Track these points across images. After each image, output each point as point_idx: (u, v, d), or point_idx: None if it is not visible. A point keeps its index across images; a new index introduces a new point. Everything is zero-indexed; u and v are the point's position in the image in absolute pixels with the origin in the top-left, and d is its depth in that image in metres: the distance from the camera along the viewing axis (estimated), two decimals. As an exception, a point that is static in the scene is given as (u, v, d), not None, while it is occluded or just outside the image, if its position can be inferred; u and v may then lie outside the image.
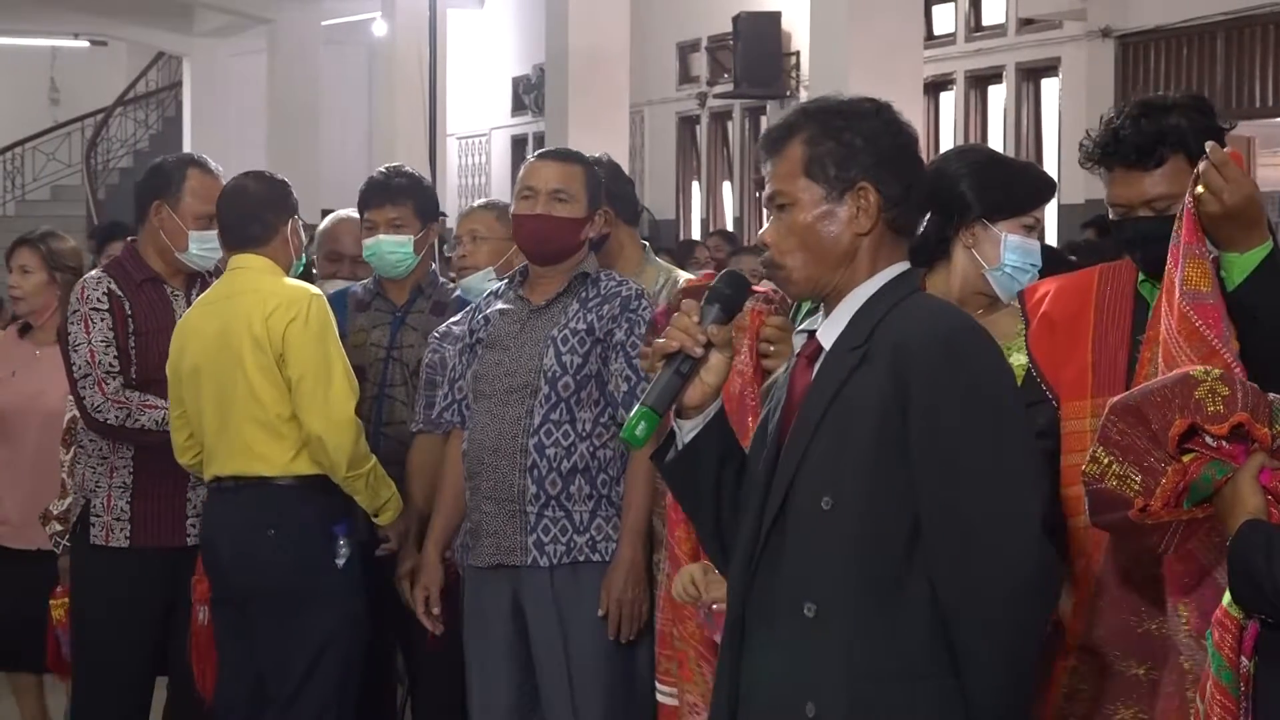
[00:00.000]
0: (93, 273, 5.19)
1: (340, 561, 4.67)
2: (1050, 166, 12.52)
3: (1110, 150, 3.19)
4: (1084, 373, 3.23)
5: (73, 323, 4.98)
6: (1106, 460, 2.76)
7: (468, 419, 4.48)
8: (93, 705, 5.14)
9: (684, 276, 4.97)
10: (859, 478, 2.69)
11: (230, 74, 21.13)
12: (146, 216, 5.09)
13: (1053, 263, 3.84)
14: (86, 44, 22.78)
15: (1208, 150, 2.98)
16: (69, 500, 5.35)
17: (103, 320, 4.96)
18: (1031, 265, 3.63)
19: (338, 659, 4.66)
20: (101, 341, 4.94)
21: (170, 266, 5.07)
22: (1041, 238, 3.76)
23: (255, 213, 4.78)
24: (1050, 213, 12.49)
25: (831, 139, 2.79)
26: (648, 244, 5.05)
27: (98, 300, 4.98)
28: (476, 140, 19.83)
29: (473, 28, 19.14)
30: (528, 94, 18.09)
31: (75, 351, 4.95)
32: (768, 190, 2.86)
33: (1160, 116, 3.17)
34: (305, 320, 4.63)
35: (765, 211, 2.92)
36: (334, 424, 4.60)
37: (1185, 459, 2.70)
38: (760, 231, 2.90)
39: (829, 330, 2.80)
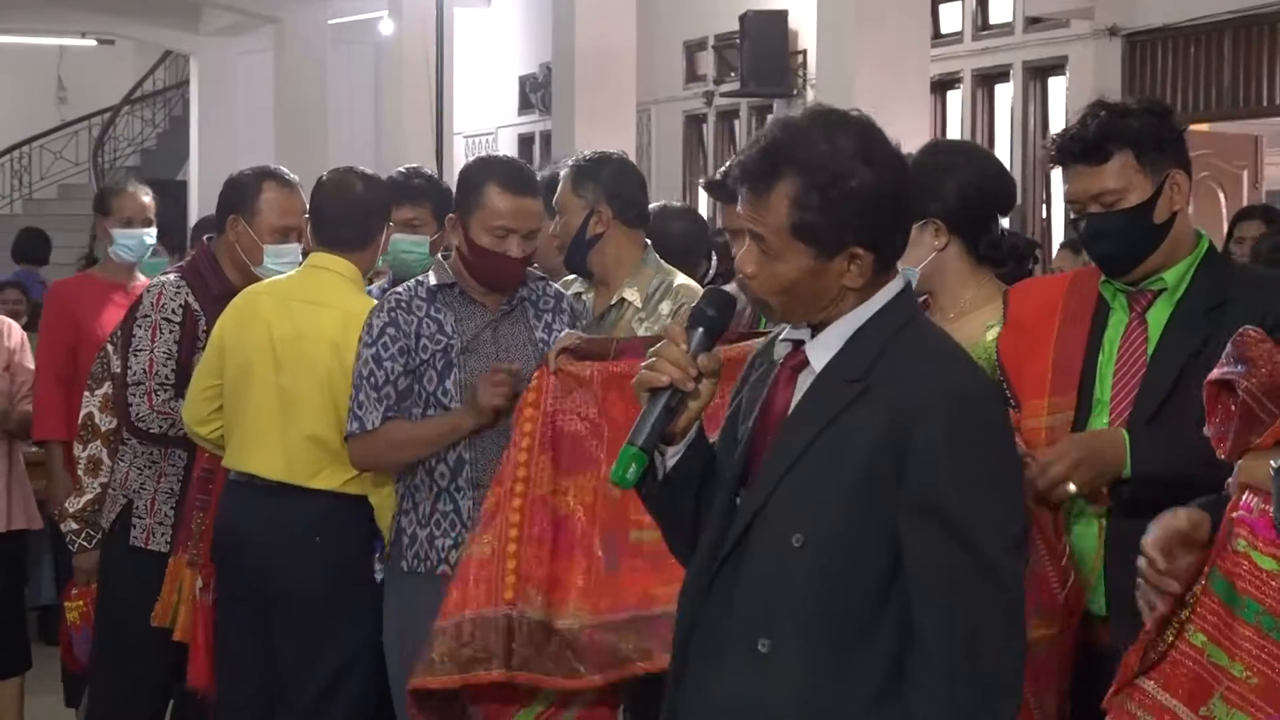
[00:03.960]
0: (171, 277, 5.06)
1: (379, 576, 4.49)
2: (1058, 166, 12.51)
3: (1064, 146, 3.31)
4: (1044, 372, 3.33)
5: (140, 326, 4.91)
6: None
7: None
8: (111, 707, 5.13)
9: (680, 280, 4.94)
10: (838, 519, 2.58)
11: (237, 73, 21.11)
12: (224, 230, 5.03)
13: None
14: (94, 43, 22.78)
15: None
16: (86, 498, 5.33)
17: (171, 332, 4.90)
18: None
19: (364, 674, 4.50)
20: (164, 353, 4.89)
21: (246, 280, 4.92)
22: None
23: (355, 217, 4.61)
24: (1057, 212, 12.49)
25: (818, 197, 2.58)
26: (649, 243, 5.02)
27: (172, 311, 4.93)
28: (484, 139, 19.81)
29: (480, 26, 19.14)
30: (535, 93, 18.09)
31: (135, 356, 4.89)
32: (747, 224, 2.66)
33: (1113, 117, 3.28)
34: None
35: None
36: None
37: None
38: (738, 258, 2.72)
39: (819, 351, 2.66)
